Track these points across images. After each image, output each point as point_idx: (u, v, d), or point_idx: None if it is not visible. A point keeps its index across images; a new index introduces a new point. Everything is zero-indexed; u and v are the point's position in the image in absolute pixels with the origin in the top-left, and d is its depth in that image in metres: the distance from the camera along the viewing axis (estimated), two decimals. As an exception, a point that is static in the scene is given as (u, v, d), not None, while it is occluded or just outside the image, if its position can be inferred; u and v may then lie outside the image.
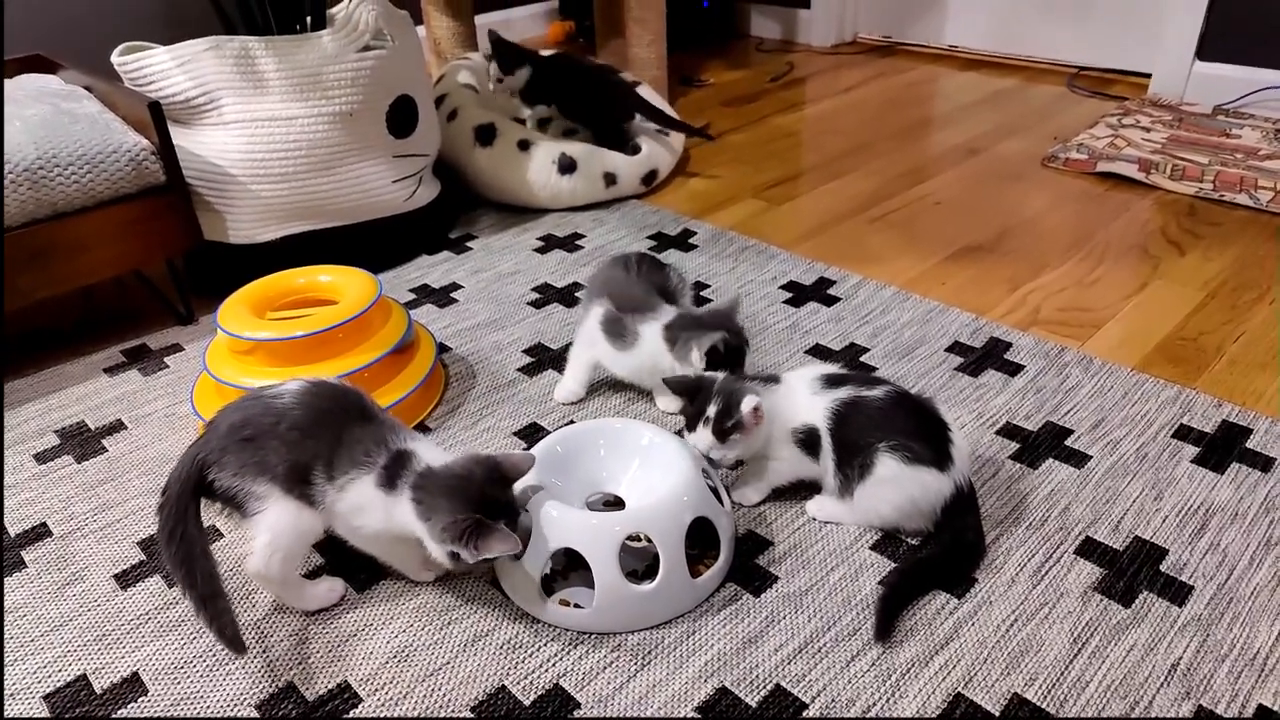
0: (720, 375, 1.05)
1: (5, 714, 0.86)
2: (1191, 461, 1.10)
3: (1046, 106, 2.33)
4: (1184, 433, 1.15)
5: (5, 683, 0.89)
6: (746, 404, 0.97)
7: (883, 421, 0.97)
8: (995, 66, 2.67)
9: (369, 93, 1.53)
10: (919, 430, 0.97)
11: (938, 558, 0.97)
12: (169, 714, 0.85)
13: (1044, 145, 2.06)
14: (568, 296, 1.54)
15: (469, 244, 1.75)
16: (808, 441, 1.01)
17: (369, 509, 0.88)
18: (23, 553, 1.04)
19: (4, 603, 0.97)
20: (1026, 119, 2.25)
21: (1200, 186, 1.80)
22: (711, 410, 1.00)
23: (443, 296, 1.56)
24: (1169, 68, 2.27)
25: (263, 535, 0.88)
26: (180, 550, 0.84)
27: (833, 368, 1.14)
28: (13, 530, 1.08)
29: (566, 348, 1.39)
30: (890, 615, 0.91)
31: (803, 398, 1.02)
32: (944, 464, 0.96)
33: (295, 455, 0.87)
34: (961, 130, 2.21)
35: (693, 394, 1.03)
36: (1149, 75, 2.34)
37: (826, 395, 1.01)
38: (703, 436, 1.01)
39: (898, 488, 0.96)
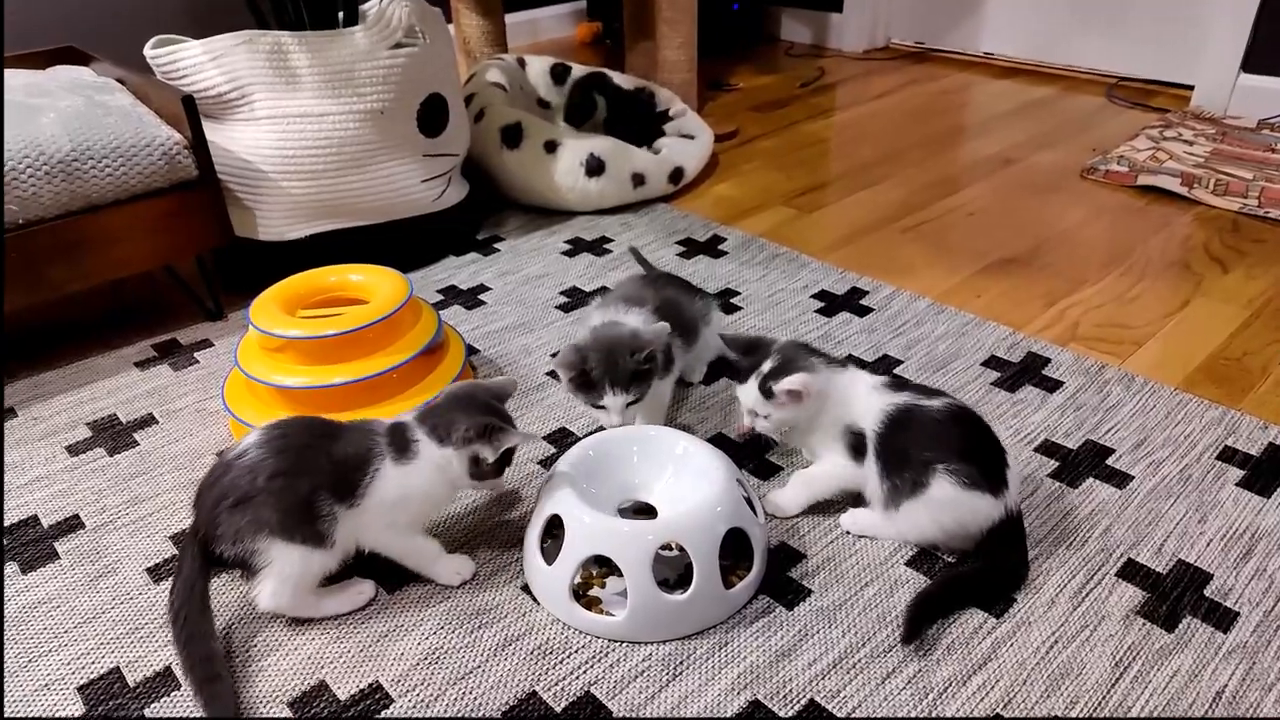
0: (785, 340, 1.05)
1: (39, 713, 0.86)
2: (1236, 484, 1.08)
3: (1084, 117, 2.30)
4: (1229, 455, 1.12)
5: (40, 674, 0.89)
6: (792, 381, 0.97)
7: (941, 437, 0.95)
8: (1031, 75, 2.64)
9: (400, 90, 1.53)
10: (977, 452, 0.95)
11: (978, 576, 0.95)
12: (200, 709, 0.84)
13: (1081, 157, 2.03)
14: (597, 300, 1.53)
15: (497, 245, 1.74)
16: (856, 442, 0.99)
17: (400, 488, 0.90)
18: (55, 544, 1.04)
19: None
20: (1064, 129, 2.22)
21: (1244, 202, 1.76)
22: (766, 366, 1.00)
23: (470, 298, 1.56)
24: (1212, 80, 2.23)
25: (269, 582, 0.88)
26: (183, 632, 0.85)
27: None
28: (45, 522, 1.08)
29: (597, 351, 1.38)
30: (920, 620, 0.89)
31: (862, 392, 1.00)
32: (999, 490, 0.94)
33: (289, 499, 0.87)
34: (996, 140, 2.18)
35: (752, 349, 1.04)
36: (1191, 87, 2.30)
37: (885, 397, 0.99)
38: (749, 390, 1.01)
39: (950, 510, 0.94)
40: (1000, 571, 0.95)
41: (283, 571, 0.88)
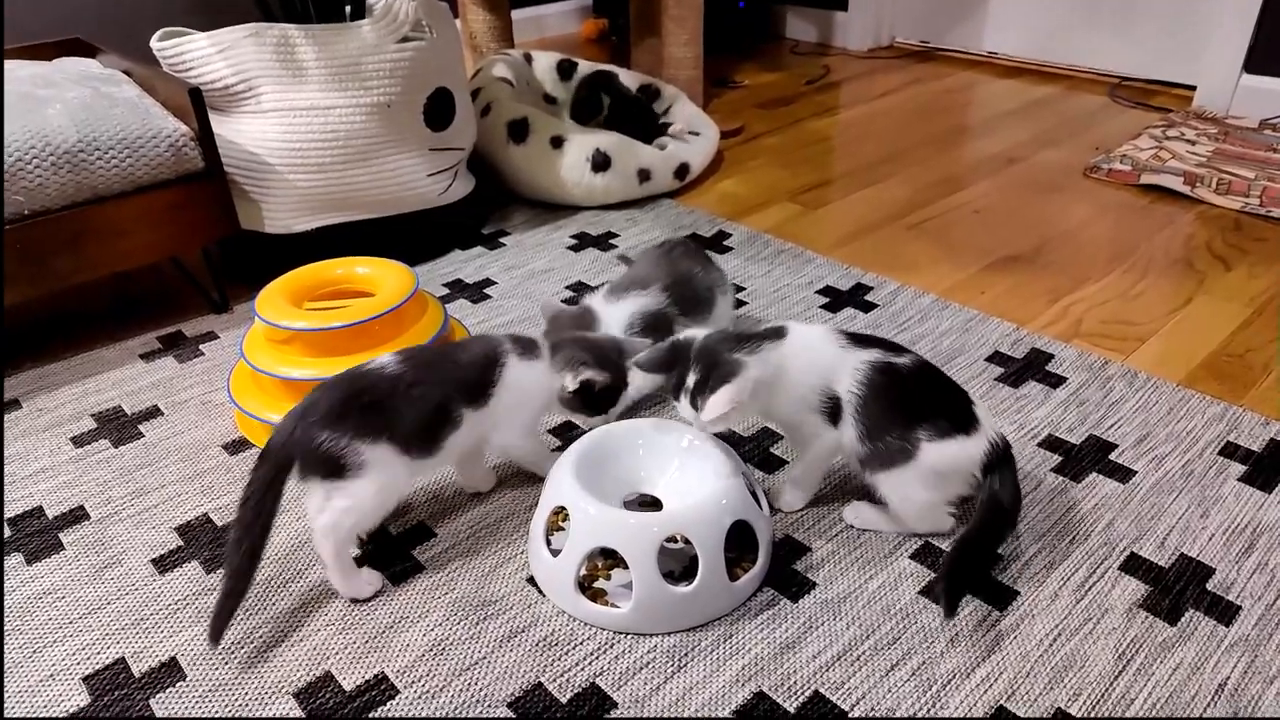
0: (698, 335, 0.97)
1: (45, 704, 0.86)
2: (1238, 480, 1.08)
3: (1088, 116, 2.31)
4: (1231, 450, 1.12)
5: (45, 664, 0.89)
6: (717, 404, 0.90)
7: (920, 398, 0.94)
8: (1035, 74, 2.64)
9: (407, 84, 1.53)
10: (950, 405, 0.95)
11: (983, 526, 0.94)
12: (205, 699, 0.85)
13: (1084, 155, 2.03)
14: (602, 294, 1.53)
15: (502, 240, 1.74)
16: (831, 407, 0.95)
17: (524, 383, 1.00)
18: (60, 535, 1.05)
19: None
20: (1067, 128, 2.23)
21: (1246, 201, 1.77)
22: (690, 379, 0.95)
23: (476, 292, 1.56)
24: (1215, 80, 2.23)
25: (346, 499, 0.90)
26: (247, 515, 0.87)
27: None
28: (50, 513, 1.08)
29: (601, 346, 1.38)
30: (955, 594, 0.90)
31: (830, 352, 0.95)
32: (972, 429, 0.94)
33: (423, 408, 0.93)
34: (1000, 138, 2.18)
35: (669, 364, 0.97)
36: (1194, 87, 2.31)
37: (856, 354, 0.95)
38: (685, 409, 0.96)
39: (942, 469, 0.94)
40: (997, 512, 0.94)
41: (372, 484, 0.91)
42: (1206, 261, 1.58)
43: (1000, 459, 0.94)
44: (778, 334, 0.97)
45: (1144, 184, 1.86)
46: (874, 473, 0.96)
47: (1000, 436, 0.95)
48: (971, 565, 0.94)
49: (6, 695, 0.86)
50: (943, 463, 0.94)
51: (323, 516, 0.91)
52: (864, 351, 0.95)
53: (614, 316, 1.21)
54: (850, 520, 1.03)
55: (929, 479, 0.95)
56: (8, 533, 1.05)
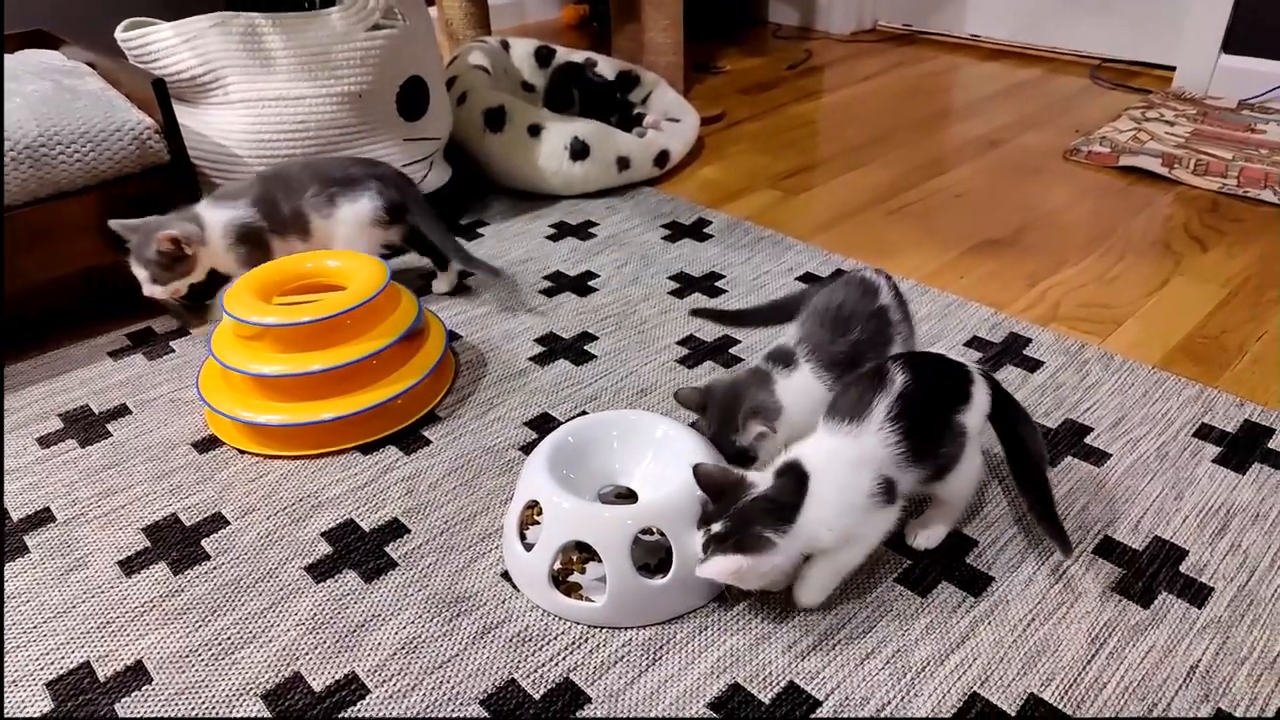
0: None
1: (5, 710, 0.85)
2: (1213, 461, 1.08)
3: (1069, 99, 2.30)
4: (1205, 432, 1.13)
5: (8, 670, 0.88)
6: (722, 565, 0.83)
7: (938, 397, 0.91)
8: (1017, 57, 2.63)
9: (379, 73, 1.51)
10: (947, 375, 0.93)
11: (1021, 454, 0.95)
12: (172, 702, 0.84)
13: (1066, 138, 2.03)
14: (580, 285, 1.52)
15: (480, 230, 1.73)
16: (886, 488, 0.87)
17: None
18: (25, 538, 1.03)
19: (4, 605, 0.96)
20: (1049, 111, 2.22)
21: (1224, 182, 1.76)
22: (716, 526, 0.85)
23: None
24: (1194, 61, 2.23)
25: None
26: None
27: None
28: (15, 515, 1.07)
29: (579, 337, 1.37)
30: (1059, 531, 0.92)
31: (863, 451, 0.86)
32: (969, 380, 0.93)
33: None
34: (982, 122, 2.17)
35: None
36: (1173, 68, 2.30)
37: (876, 427, 0.87)
38: (698, 542, 0.87)
39: (978, 435, 0.93)
40: (1025, 437, 0.95)
41: None
42: (1184, 243, 1.58)
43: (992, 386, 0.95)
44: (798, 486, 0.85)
45: (1123, 166, 1.86)
46: (935, 484, 0.93)
47: (975, 366, 0.94)
48: (1047, 494, 0.94)
49: (-28, 701, 0.84)
50: (978, 422, 0.93)
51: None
52: (878, 413, 0.87)
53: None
54: (925, 545, 0.97)
55: (977, 446, 0.93)
56: (-27, 535, 1.04)
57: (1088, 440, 1.12)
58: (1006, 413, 0.95)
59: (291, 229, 1.35)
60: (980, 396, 0.93)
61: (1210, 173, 1.80)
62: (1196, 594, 0.91)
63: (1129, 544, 0.97)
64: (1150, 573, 0.94)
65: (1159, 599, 0.91)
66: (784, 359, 1.02)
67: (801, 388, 1.00)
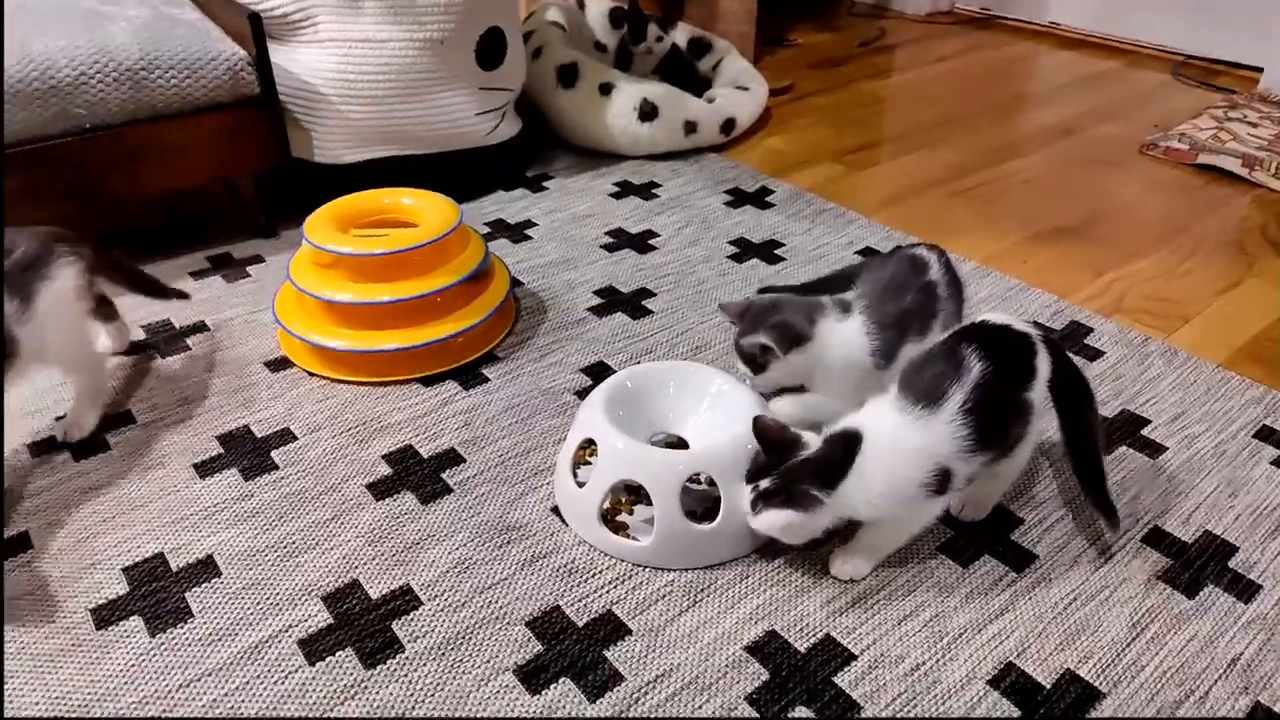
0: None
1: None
2: (1271, 463, 1.07)
3: (1148, 93, 2.24)
4: (1266, 434, 1.11)
5: (88, 553, 0.93)
6: (774, 519, 0.86)
7: (1006, 380, 0.87)
8: (1096, 48, 2.56)
9: (461, 21, 1.53)
10: (1008, 352, 0.89)
11: (1077, 429, 0.95)
12: (239, 597, 0.88)
13: (1142, 131, 1.98)
14: (640, 243, 1.54)
15: (545, 183, 1.75)
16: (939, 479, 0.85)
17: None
18: (107, 436, 1.09)
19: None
20: (1126, 104, 2.17)
21: (1307, 187, 1.71)
22: (765, 483, 0.87)
23: (517, 233, 1.57)
24: (1285, 63, 2.16)
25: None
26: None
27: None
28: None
29: (637, 292, 1.39)
30: (1108, 507, 0.93)
31: (920, 438, 0.85)
32: (1033, 353, 0.90)
33: None
34: (1057, 110, 2.13)
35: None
36: (1260, 69, 2.23)
37: (943, 414, 0.84)
38: (745, 498, 0.89)
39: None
40: (1083, 411, 0.95)
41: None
42: (1259, 245, 1.55)
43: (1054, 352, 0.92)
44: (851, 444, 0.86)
45: (1201, 164, 1.81)
46: (997, 462, 0.91)
47: (1036, 333, 0.91)
48: (1100, 469, 0.94)
49: (49, 580, 0.90)
50: (1042, 393, 0.91)
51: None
52: (953, 403, 0.85)
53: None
54: (972, 517, 0.98)
55: (1039, 418, 0.91)
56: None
57: (1144, 432, 1.11)
58: (1065, 379, 0.93)
59: None
60: (1043, 366, 0.91)
61: (1294, 177, 1.75)
62: (1244, 590, 0.91)
63: (1179, 535, 0.97)
64: (1198, 565, 0.93)
65: (1205, 590, 0.91)
66: (843, 305, 1.04)
67: (845, 335, 1.01)
